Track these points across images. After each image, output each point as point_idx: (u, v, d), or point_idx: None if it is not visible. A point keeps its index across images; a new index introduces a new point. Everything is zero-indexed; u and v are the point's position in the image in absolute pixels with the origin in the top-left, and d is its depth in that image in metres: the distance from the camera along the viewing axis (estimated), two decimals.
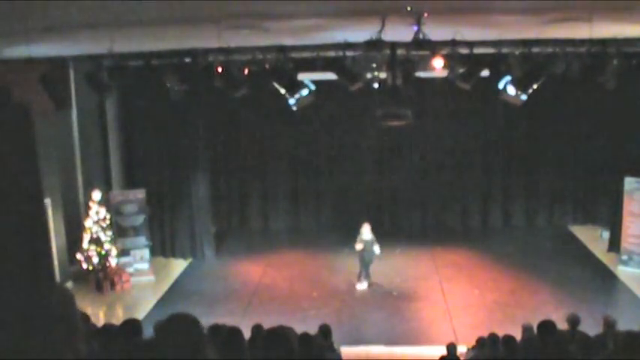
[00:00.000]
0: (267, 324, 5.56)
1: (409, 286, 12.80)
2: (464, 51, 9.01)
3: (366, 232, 12.26)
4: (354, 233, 12.62)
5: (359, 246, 12.28)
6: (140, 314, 10.93)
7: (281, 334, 3.26)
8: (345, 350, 9.02)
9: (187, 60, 9.95)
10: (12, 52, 9.09)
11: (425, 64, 8.71)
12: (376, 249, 12.27)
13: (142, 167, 14.85)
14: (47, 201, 11.87)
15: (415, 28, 7.33)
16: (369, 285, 12.60)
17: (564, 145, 16.04)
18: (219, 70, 9.83)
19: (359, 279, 12.59)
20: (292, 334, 3.45)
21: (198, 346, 2.34)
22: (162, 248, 14.90)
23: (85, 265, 12.86)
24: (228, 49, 9.21)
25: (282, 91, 9.80)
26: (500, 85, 9.64)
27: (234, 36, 7.94)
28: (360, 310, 11.81)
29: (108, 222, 13.06)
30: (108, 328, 6.88)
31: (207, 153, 15.07)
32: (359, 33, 7.63)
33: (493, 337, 7.49)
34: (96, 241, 12.80)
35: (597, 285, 12.49)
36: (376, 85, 9.80)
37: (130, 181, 14.89)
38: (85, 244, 12.83)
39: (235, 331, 5.22)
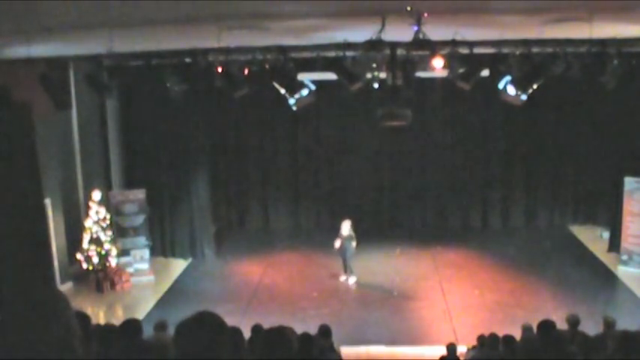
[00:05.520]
0: (267, 324, 5.54)
1: (409, 286, 12.79)
2: (464, 51, 9.01)
3: (345, 228, 12.64)
4: (354, 234, 12.70)
5: (337, 243, 12.66)
6: (140, 314, 10.92)
7: (281, 334, 3.26)
8: (345, 350, 9.01)
9: (187, 60, 9.96)
10: (12, 52, 9.10)
11: (425, 64, 8.70)
12: (352, 245, 12.64)
13: (142, 167, 14.84)
14: (47, 201, 11.87)
15: (415, 28, 7.32)
16: (356, 281, 12.93)
17: (564, 145, 16.04)
18: (219, 70, 9.84)
19: (345, 272, 12.95)
20: (292, 334, 3.44)
21: (222, 346, 2.31)
22: (162, 248, 14.89)
23: (85, 265, 12.86)
24: (228, 49, 9.21)
25: (282, 91, 9.80)
26: (500, 85, 9.64)
27: (234, 36, 7.93)
28: (360, 310, 11.81)
29: (108, 222, 13.06)
30: (108, 328, 6.88)
31: (207, 153, 15.07)
32: (359, 33, 7.62)
33: (493, 337, 7.50)
34: (96, 241, 12.80)
35: (597, 285, 12.48)
36: (376, 85, 9.80)
37: (130, 181, 14.88)
38: (85, 244, 12.82)
39: (235, 331, 5.22)
